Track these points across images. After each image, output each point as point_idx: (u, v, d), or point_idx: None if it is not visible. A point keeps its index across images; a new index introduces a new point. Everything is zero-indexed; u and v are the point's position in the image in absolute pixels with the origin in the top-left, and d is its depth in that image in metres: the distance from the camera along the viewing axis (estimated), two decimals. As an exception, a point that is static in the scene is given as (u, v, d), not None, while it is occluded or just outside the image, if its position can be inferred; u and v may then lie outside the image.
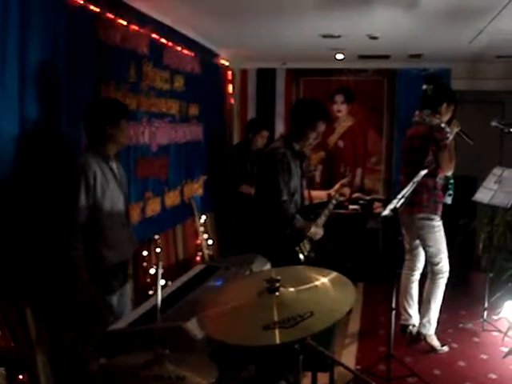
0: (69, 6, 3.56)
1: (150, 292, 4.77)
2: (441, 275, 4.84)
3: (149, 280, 4.86)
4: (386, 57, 7.26)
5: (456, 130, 4.80)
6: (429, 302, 4.88)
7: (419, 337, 4.94)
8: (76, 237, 3.24)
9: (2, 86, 3.01)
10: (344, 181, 4.56)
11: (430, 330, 4.90)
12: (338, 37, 5.84)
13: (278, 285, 2.00)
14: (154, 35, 4.84)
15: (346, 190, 4.51)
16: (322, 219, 4.27)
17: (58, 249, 3.24)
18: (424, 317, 4.91)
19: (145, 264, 4.84)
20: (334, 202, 4.39)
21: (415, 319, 5.07)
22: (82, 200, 3.25)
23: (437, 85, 5.12)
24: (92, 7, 3.82)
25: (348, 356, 4.78)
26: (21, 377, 3.10)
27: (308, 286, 2.09)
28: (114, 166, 3.53)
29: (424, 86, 5.10)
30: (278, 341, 1.82)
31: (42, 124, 3.37)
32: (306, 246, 4.12)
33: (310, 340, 2.01)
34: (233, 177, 6.19)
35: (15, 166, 3.14)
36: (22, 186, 3.15)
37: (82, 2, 3.69)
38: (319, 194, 4.62)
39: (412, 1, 4.22)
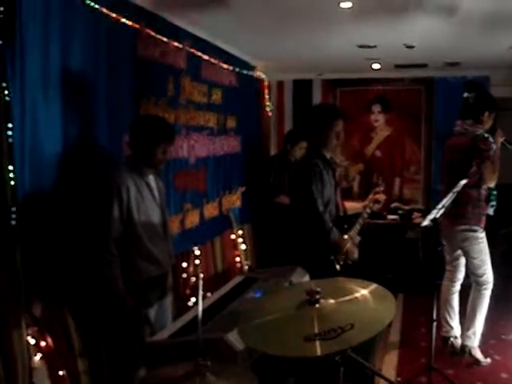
0: (109, 22, 3.65)
1: (190, 303, 4.81)
2: (485, 286, 4.76)
3: (188, 291, 4.90)
4: (423, 65, 7.22)
5: (500, 139, 4.71)
6: (474, 314, 4.79)
7: (464, 349, 4.85)
8: (110, 250, 3.27)
9: (46, 104, 3.10)
10: (377, 189, 4.53)
11: (475, 342, 4.81)
12: (374, 47, 5.84)
13: (318, 297, 2.01)
14: (191, 49, 4.90)
15: (381, 197, 4.45)
16: (356, 229, 4.24)
17: (94, 262, 3.29)
18: (469, 329, 4.81)
19: (184, 275, 4.88)
20: (368, 211, 4.35)
21: (457, 331, 4.99)
22: (115, 214, 3.27)
23: (478, 92, 5.04)
24: (131, 23, 3.90)
25: (388, 368, 4.72)
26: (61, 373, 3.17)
27: (348, 297, 2.09)
28: (152, 179, 3.54)
29: (465, 94, 5.01)
30: (319, 352, 1.82)
31: (83, 140, 3.45)
32: (350, 246, 4.10)
33: (350, 352, 2.01)
34: (270, 187, 6.20)
35: (58, 181, 3.21)
36: (64, 200, 3.23)
37: (121, 19, 3.77)
38: (355, 206, 4.59)
39: (452, 9, 4.19)
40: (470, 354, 4.80)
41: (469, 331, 4.81)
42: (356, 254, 4.16)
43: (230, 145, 6.04)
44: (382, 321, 1.93)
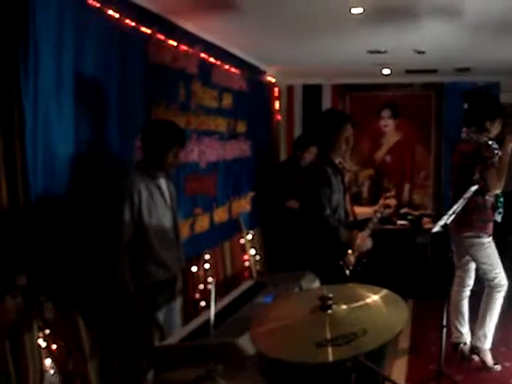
0: (121, 27, 3.67)
1: (199, 308, 4.81)
2: (499, 289, 4.72)
3: (198, 296, 4.91)
4: (433, 71, 7.21)
5: (511, 145, 4.66)
6: (485, 316, 4.75)
7: (473, 351, 4.82)
8: (120, 253, 3.29)
9: (58, 109, 3.11)
10: (388, 194, 4.51)
11: (485, 344, 4.77)
12: (385, 52, 5.85)
13: (330, 302, 2.01)
14: (202, 54, 4.92)
15: (392, 202, 4.44)
16: (366, 232, 4.24)
17: (105, 264, 3.30)
18: (479, 330, 4.78)
19: (194, 280, 4.89)
20: (378, 215, 4.34)
21: (466, 337, 4.96)
22: (126, 218, 3.29)
23: (478, 100, 5.02)
24: (143, 29, 3.92)
25: (398, 374, 4.70)
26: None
27: (360, 303, 2.08)
28: (163, 183, 3.56)
29: (465, 105, 5.01)
30: (331, 358, 1.82)
31: (95, 144, 3.47)
32: (351, 259, 4.09)
33: (362, 358, 2.01)
34: (279, 193, 6.20)
35: (70, 184, 3.23)
36: (76, 204, 3.25)
37: (133, 24, 3.79)
38: (365, 211, 4.58)
39: (456, 10, 4.18)
40: (479, 355, 4.77)
41: (479, 332, 4.78)
42: (369, 244, 4.16)
43: (240, 149, 6.06)
44: (394, 327, 1.92)
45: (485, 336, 4.77)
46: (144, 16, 3.93)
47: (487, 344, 4.79)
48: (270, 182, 6.42)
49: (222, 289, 5.24)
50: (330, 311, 2.00)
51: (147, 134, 3.51)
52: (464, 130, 4.83)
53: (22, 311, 2.82)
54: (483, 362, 4.76)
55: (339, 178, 4.19)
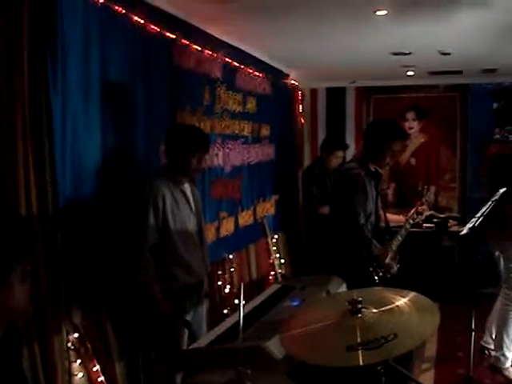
0: (146, 33, 3.69)
1: (225, 311, 4.82)
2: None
3: (223, 299, 4.91)
4: (458, 72, 7.14)
5: None
6: (501, 335, 4.60)
7: (495, 370, 4.64)
8: (145, 257, 3.31)
9: (86, 115, 3.15)
10: (423, 199, 4.45)
11: (506, 364, 4.62)
12: (409, 54, 5.80)
13: (360, 306, 2.00)
14: (226, 59, 4.93)
15: (425, 208, 4.39)
16: (397, 239, 4.18)
17: (129, 268, 3.33)
18: (497, 350, 4.64)
19: (219, 283, 4.89)
20: (411, 221, 4.30)
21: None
22: (151, 222, 3.31)
23: (508, 99, 4.92)
24: (168, 34, 3.94)
25: (426, 378, 4.64)
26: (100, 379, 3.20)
27: (389, 307, 2.07)
28: (187, 188, 3.58)
29: (495, 105, 4.90)
30: (361, 362, 1.81)
31: (121, 150, 3.50)
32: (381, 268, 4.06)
33: (392, 361, 2.00)
34: (315, 199, 6.12)
35: (97, 189, 3.26)
36: (102, 208, 3.28)
37: (158, 29, 3.81)
38: (398, 219, 4.53)
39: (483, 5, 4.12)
40: (502, 374, 4.63)
41: (497, 353, 4.65)
42: (395, 268, 4.11)
43: (264, 153, 6.06)
44: (426, 330, 1.91)
45: (504, 356, 4.62)
46: (168, 21, 3.95)
47: (507, 363, 4.63)
48: (304, 186, 6.36)
49: (248, 292, 5.21)
50: (360, 315, 1.99)
51: (170, 139, 3.54)
52: (497, 130, 4.73)
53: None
54: (507, 379, 4.59)
55: (373, 183, 4.16)
